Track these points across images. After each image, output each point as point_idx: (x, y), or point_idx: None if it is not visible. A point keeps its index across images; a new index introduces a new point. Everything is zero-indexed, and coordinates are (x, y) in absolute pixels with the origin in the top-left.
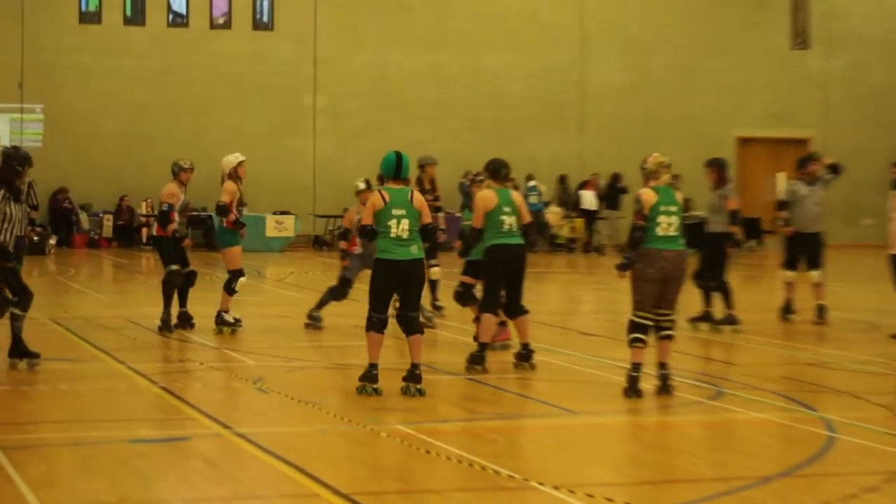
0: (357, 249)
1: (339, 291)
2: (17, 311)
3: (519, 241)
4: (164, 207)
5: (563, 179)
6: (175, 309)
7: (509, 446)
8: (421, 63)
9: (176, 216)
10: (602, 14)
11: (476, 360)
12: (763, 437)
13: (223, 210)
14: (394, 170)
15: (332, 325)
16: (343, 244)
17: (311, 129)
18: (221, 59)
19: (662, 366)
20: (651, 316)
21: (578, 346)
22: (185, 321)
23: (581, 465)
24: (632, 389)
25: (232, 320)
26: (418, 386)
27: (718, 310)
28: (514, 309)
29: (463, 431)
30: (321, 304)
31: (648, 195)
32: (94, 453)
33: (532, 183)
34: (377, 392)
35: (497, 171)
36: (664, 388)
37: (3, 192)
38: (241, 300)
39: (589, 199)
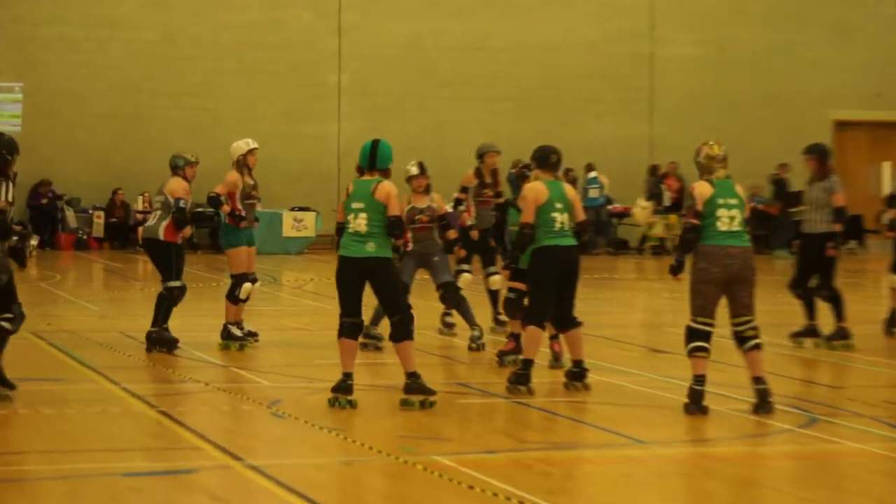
0: (410, 246)
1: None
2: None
3: (572, 242)
4: (181, 204)
5: (654, 170)
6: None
7: (565, 480)
8: (461, 32)
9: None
10: None
11: (520, 380)
12: (862, 472)
13: (214, 202)
14: (367, 159)
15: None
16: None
17: (335, 111)
18: (229, 31)
19: (758, 380)
20: (711, 321)
21: (646, 365)
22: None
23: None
24: (694, 405)
25: (240, 334)
26: (420, 398)
27: (824, 322)
28: (566, 320)
29: (511, 463)
30: (376, 318)
31: (703, 188)
32: (82, 488)
33: (593, 174)
34: (351, 405)
35: (545, 158)
36: (763, 405)
37: (6, 184)
38: (254, 310)
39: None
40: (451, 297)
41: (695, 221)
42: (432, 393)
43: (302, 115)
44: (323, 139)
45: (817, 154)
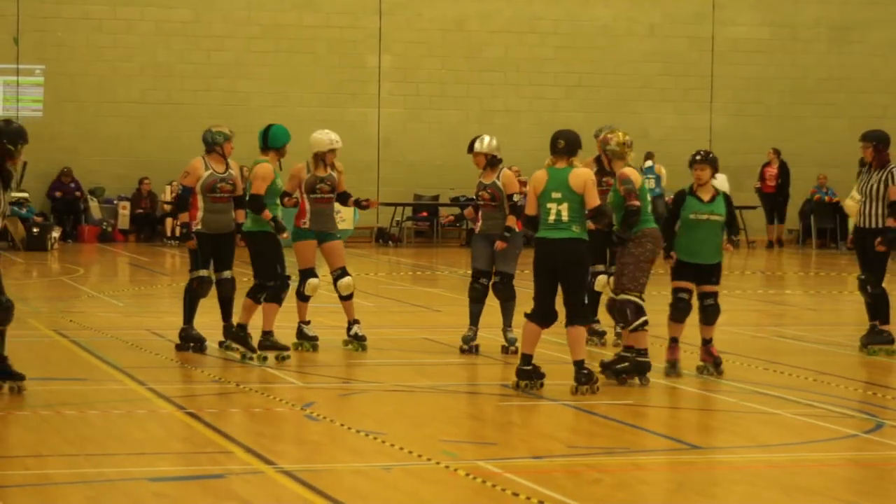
0: (479, 227)
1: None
2: None
3: (566, 234)
4: (180, 190)
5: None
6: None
7: (616, 488)
8: (509, 14)
9: (201, 202)
10: None
11: (519, 375)
12: None
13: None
14: (261, 140)
15: (398, 337)
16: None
17: (375, 97)
18: (263, 9)
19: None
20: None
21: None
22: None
23: None
24: (644, 376)
25: (312, 333)
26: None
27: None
28: (567, 317)
29: (559, 469)
30: (474, 317)
31: (635, 174)
32: (106, 493)
33: (649, 163)
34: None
35: (553, 143)
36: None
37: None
38: (288, 308)
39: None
40: (503, 289)
41: (638, 203)
42: (286, 349)
43: (340, 100)
44: (362, 126)
45: (874, 141)
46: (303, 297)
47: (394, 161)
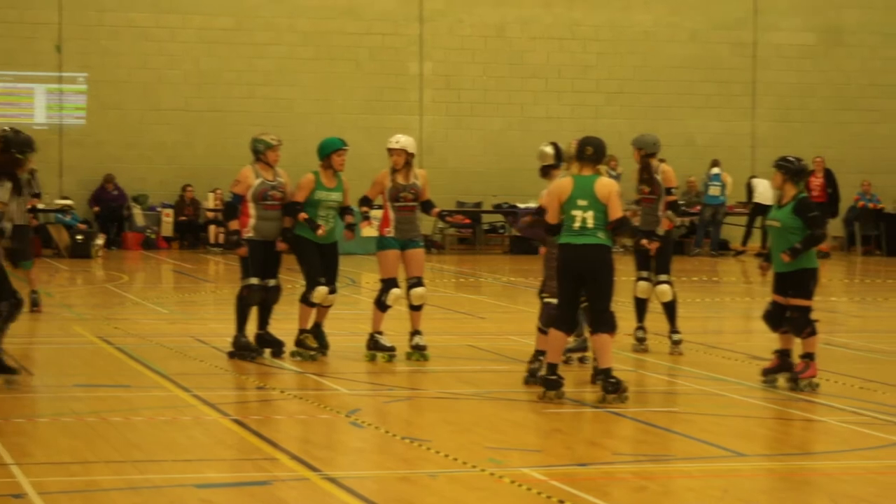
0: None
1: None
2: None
3: (592, 240)
4: (230, 198)
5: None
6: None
7: (661, 496)
8: (550, 21)
9: (253, 210)
10: None
11: (543, 383)
12: None
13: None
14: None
15: (442, 344)
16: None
17: (417, 104)
18: (306, 16)
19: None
20: None
21: (744, 373)
22: (268, 345)
23: None
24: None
25: (388, 344)
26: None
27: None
28: (593, 323)
29: (604, 476)
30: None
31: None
32: (153, 499)
33: (715, 170)
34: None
35: (580, 151)
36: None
37: (10, 186)
38: (333, 314)
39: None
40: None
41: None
42: (319, 349)
43: (382, 107)
44: (404, 133)
45: None
46: (382, 307)
47: (436, 168)
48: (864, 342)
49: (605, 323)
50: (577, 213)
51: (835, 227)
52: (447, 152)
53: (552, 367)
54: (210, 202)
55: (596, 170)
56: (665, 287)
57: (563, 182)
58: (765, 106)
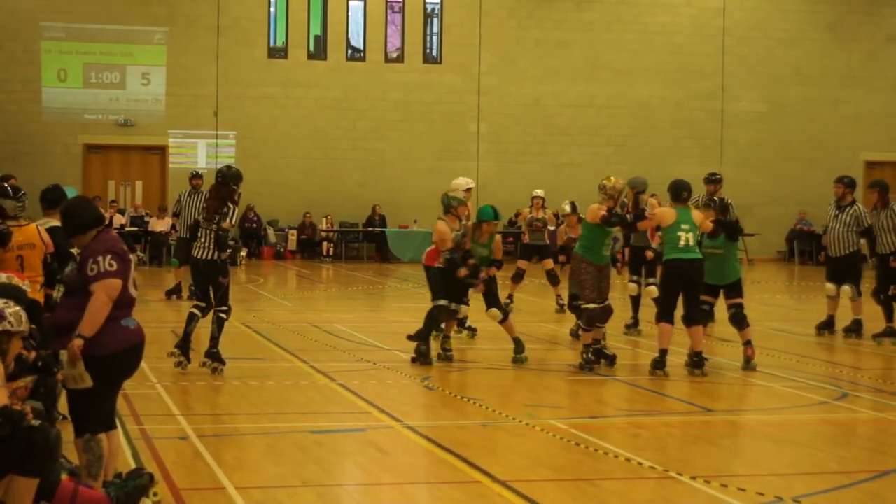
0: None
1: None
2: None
3: (695, 255)
4: (447, 255)
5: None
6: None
7: (650, 440)
8: (575, 93)
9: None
10: (740, 49)
11: (657, 365)
12: (884, 436)
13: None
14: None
15: (491, 328)
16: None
17: (475, 153)
18: (394, 89)
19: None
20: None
21: (719, 352)
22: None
23: (716, 459)
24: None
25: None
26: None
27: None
28: (689, 319)
29: (609, 426)
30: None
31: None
32: (279, 442)
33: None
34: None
35: (678, 194)
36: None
37: (233, 209)
38: (405, 308)
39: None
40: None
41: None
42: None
43: (450, 155)
44: (464, 175)
45: (878, 188)
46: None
47: (489, 201)
48: (801, 328)
49: (700, 317)
50: (682, 234)
51: (779, 243)
52: (497, 189)
53: (663, 352)
54: (323, 224)
55: (686, 205)
56: (653, 287)
57: (668, 211)
58: (729, 156)
